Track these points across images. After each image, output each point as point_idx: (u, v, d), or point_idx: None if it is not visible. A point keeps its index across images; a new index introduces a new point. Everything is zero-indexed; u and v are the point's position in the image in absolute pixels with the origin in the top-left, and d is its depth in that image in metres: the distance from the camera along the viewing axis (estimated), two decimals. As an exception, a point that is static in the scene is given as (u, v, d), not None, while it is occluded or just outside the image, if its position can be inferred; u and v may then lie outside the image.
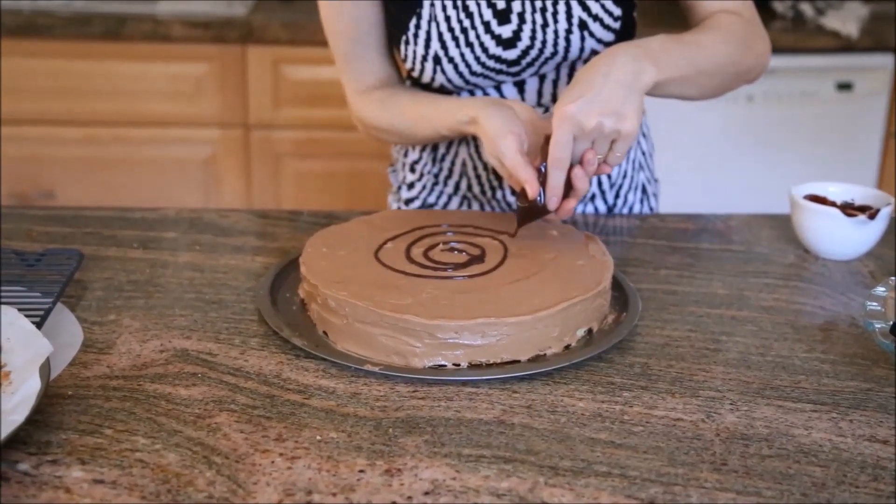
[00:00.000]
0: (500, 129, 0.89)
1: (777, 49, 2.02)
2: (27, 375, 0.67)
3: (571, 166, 0.87)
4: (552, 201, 0.87)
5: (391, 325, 0.75)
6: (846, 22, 2.05)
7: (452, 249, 0.88)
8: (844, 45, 2.03)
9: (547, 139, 0.86)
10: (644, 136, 1.19)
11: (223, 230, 1.03)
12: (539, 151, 0.89)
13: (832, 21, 2.06)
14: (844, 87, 2.08)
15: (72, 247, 0.95)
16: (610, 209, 1.14)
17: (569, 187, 0.88)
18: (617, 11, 1.01)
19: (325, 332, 0.80)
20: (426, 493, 0.61)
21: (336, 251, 0.86)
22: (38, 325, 0.77)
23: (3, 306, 0.75)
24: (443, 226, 0.93)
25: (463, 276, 0.82)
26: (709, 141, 2.10)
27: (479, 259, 0.86)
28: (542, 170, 0.86)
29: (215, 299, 0.87)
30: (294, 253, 0.93)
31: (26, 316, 0.74)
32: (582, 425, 0.69)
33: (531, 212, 0.88)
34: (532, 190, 0.87)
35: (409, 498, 0.60)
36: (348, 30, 1.07)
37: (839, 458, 0.66)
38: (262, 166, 2.09)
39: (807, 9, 2.15)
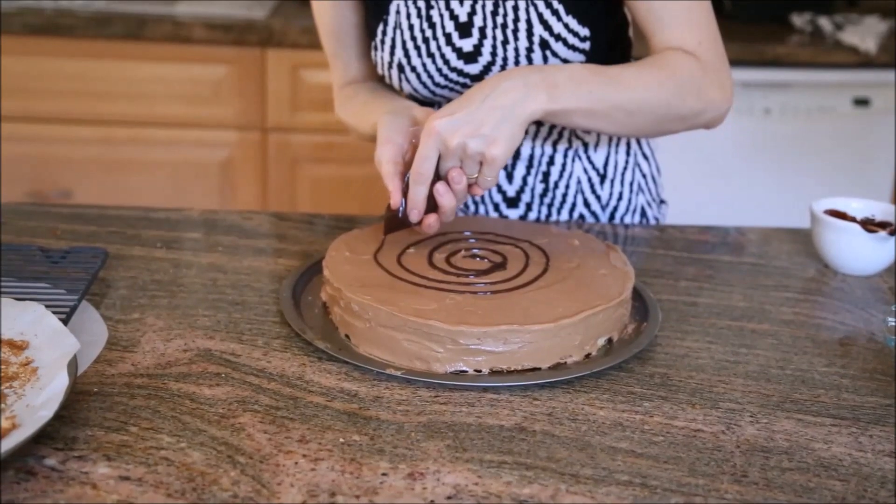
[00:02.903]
0: (384, 135, 0.88)
1: (795, 64, 2.04)
2: (55, 372, 0.67)
3: (439, 181, 0.85)
4: (412, 214, 0.85)
5: (414, 329, 0.75)
6: (864, 38, 2.05)
7: (474, 256, 0.88)
8: (862, 61, 2.03)
9: None
10: (646, 157, 1.16)
11: (245, 232, 1.04)
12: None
13: (850, 37, 2.07)
14: (861, 102, 2.08)
15: (96, 245, 0.96)
16: None
17: (435, 202, 0.86)
18: (583, 32, 0.98)
19: (347, 336, 0.81)
20: (449, 498, 0.61)
21: (359, 255, 0.87)
22: (64, 323, 0.78)
23: (31, 303, 0.76)
24: (465, 232, 0.94)
25: (485, 283, 0.83)
26: (725, 154, 2.11)
27: (501, 266, 0.86)
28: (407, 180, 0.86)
29: (238, 300, 0.87)
30: (316, 256, 0.94)
31: (52, 313, 0.75)
32: (603, 434, 0.69)
33: (394, 221, 0.87)
34: (394, 201, 0.85)
35: (432, 502, 0.61)
36: (331, 29, 1.11)
37: (859, 472, 0.66)
38: (278, 170, 2.10)
39: (825, 24, 2.15)
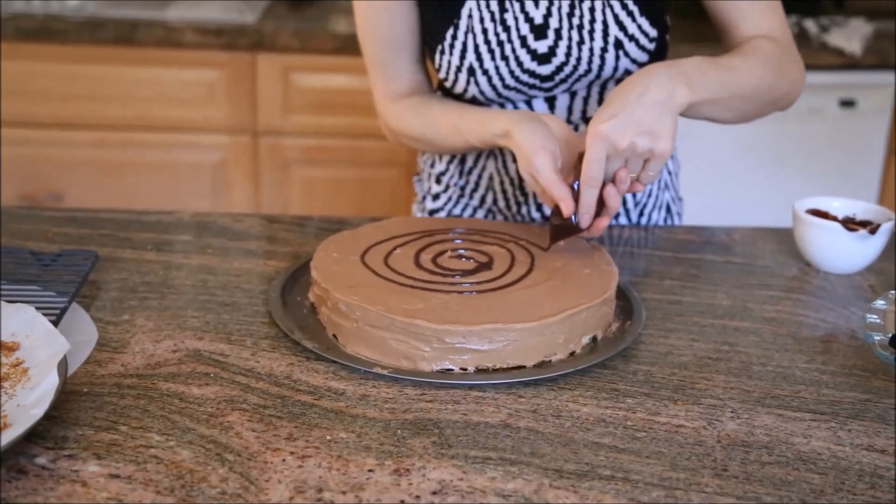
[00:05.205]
0: (535, 145, 0.89)
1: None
2: (46, 372, 0.68)
3: (604, 184, 0.87)
4: (584, 219, 0.87)
5: (401, 329, 0.76)
6: (850, 39, 2.07)
7: (460, 256, 0.89)
8: (848, 63, 2.05)
9: (580, 157, 0.86)
10: (672, 156, 1.19)
11: (236, 234, 1.05)
12: (572, 168, 0.90)
13: (836, 38, 2.08)
14: (847, 104, 2.10)
15: (87, 248, 0.96)
16: None
17: (600, 205, 0.88)
18: (653, 32, 1.02)
19: (335, 336, 0.82)
20: (434, 493, 0.62)
21: (347, 256, 0.88)
22: (54, 324, 0.79)
23: (22, 305, 0.76)
24: (451, 233, 0.95)
25: (471, 283, 0.84)
26: (714, 155, 2.12)
27: (487, 266, 0.87)
28: (575, 187, 0.87)
29: (228, 301, 0.88)
30: (305, 257, 0.95)
31: (43, 315, 0.76)
32: (586, 430, 0.70)
33: (564, 229, 0.89)
34: (567, 208, 0.87)
35: (418, 497, 0.62)
36: (383, 33, 1.07)
37: (837, 465, 0.67)
38: (270, 173, 2.11)
39: (811, 26, 2.17)
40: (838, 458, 0.68)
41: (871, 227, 0.97)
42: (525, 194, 1.11)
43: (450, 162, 1.15)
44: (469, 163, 1.14)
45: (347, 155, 2.10)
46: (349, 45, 1.98)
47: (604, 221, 0.89)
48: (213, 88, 2.04)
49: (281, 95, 2.05)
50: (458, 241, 0.93)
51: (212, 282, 0.92)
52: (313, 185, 2.13)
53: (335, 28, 2.06)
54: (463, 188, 1.15)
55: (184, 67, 2.03)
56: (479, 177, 1.13)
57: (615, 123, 0.84)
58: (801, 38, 2.16)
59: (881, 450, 0.69)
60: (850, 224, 0.99)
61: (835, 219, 1.01)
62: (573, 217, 0.87)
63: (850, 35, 2.09)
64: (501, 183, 1.12)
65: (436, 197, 1.18)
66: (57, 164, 2.07)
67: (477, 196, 1.15)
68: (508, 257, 0.89)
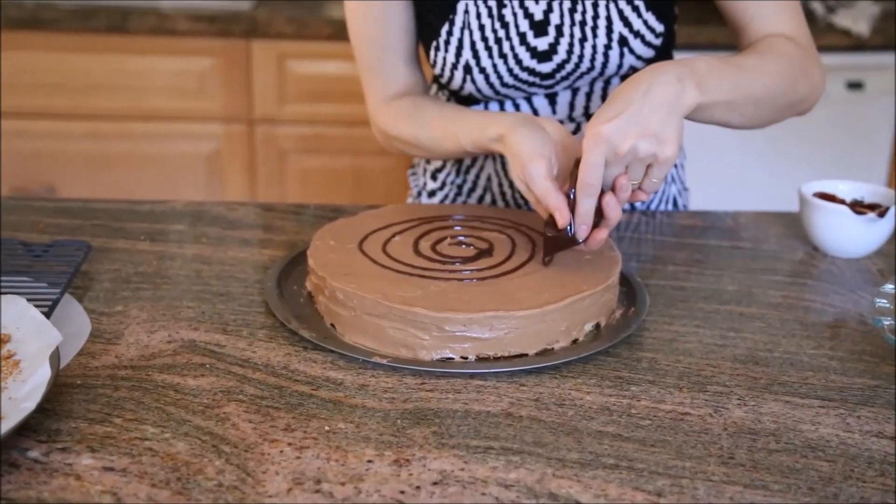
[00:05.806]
0: (530, 150, 0.83)
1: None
2: (38, 365, 0.67)
3: (603, 193, 0.80)
4: (581, 230, 0.80)
5: (400, 317, 0.75)
6: (857, 20, 2.04)
7: (460, 243, 0.88)
8: (855, 44, 2.03)
9: (578, 162, 0.80)
10: (681, 147, 1.15)
11: (231, 223, 1.03)
12: (569, 175, 0.83)
13: (843, 19, 2.06)
14: (855, 86, 2.08)
15: (80, 238, 0.95)
16: None
17: (599, 216, 0.81)
18: (659, 28, 0.97)
19: (332, 325, 0.80)
20: (434, 484, 0.61)
21: (344, 244, 0.86)
22: (46, 316, 0.77)
23: (13, 296, 0.75)
24: (450, 219, 0.93)
25: (471, 270, 0.82)
26: (719, 138, 2.10)
27: (487, 253, 0.86)
28: (572, 196, 0.80)
29: (223, 291, 0.87)
30: (301, 246, 0.93)
31: (35, 306, 0.74)
32: (589, 419, 0.69)
33: (559, 242, 0.82)
34: (563, 219, 0.80)
35: (418, 488, 0.60)
36: (376, 34, 1.03)
37: (846, 453, 0.66)
38: (266, 162, 2.09)
39: (818, 7, 2.15)
40: (847, 446, 0.66)
41: (880, 210, 0.96)
42: (525, 198, 1.09)
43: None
44: (467, 161, 1.11)
45: (344, 144, 2.08)
46: (344, 32, 1.94)
47: (602, 234, 0.82)
48: (207, 77, 2.02)
49: (276, 83, 2.03)
50: (458, 228, 0.91)
51: (206, 271, 0.91)
52: (310, 174, 2.11)
53: (330, 14, 2.03)
54: (460, 187, 1.12)
55: (177, 55, 2.01)
56: (477, 177, 1.11)
57: (617, 124, 0.77)
58: (808, 19, 2.13)
59: (891, 437, 0.68)
60: (858, 207, 0.97)
61: (842, 202, 0.99)
62: (569, 228, 0.81)
63: (857, 16, 2.07)
64: (500, 185, 1.10)
65: (431, 194, 1.15)
66: (49, 156, 2.06)
67: (475, 196, 1.12)
68: (509, 244, 0.88)
